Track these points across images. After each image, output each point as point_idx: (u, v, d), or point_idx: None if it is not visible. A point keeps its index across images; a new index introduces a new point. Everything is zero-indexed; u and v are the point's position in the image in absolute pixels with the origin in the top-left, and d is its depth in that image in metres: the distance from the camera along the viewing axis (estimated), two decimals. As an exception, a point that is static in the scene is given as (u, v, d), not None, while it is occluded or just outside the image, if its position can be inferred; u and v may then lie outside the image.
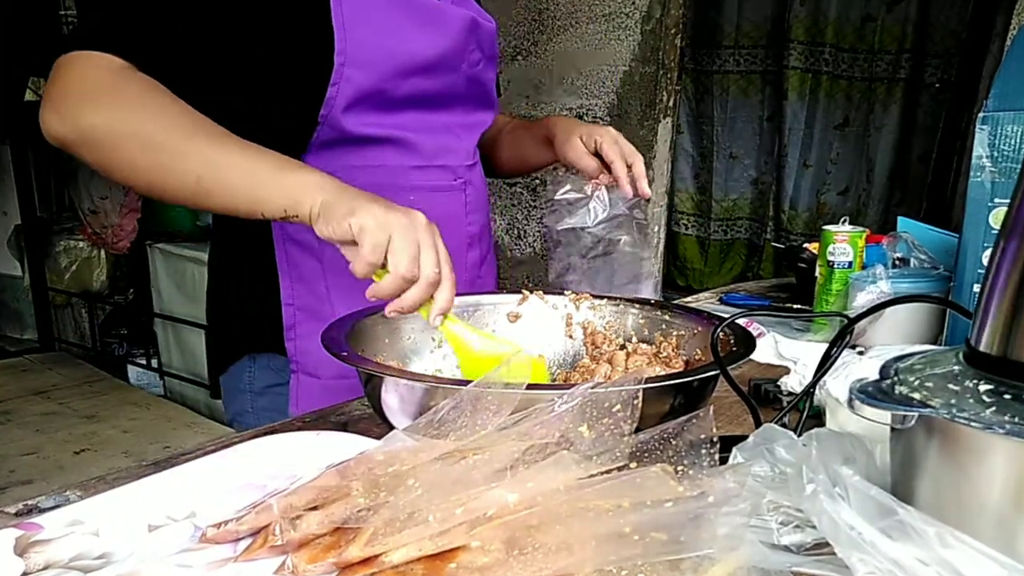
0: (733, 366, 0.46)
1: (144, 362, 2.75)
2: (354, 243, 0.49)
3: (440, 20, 0.67)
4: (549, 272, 0.76)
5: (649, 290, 0.75)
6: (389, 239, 0.48)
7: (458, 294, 0.57)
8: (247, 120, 0.58)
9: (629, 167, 0.71)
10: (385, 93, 0.64)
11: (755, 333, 0.65)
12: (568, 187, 0.73)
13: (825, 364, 0.45)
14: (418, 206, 0.61)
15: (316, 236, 0.62)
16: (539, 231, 2.16)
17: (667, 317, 0.62)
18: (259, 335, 0.70)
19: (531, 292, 0.67)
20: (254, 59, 0.60)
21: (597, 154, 0.72)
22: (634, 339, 0.63)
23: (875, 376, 0.36)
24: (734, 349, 0.50)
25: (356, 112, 0.63)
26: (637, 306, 0.65)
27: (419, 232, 0.49)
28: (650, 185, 0.72)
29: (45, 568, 0.34)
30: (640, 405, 0.38)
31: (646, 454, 0.35)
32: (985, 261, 0.58)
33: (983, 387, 0.32)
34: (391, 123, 0.66)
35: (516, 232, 2.21)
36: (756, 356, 0.68)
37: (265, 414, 0.71)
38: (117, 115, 0.52)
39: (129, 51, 0.54)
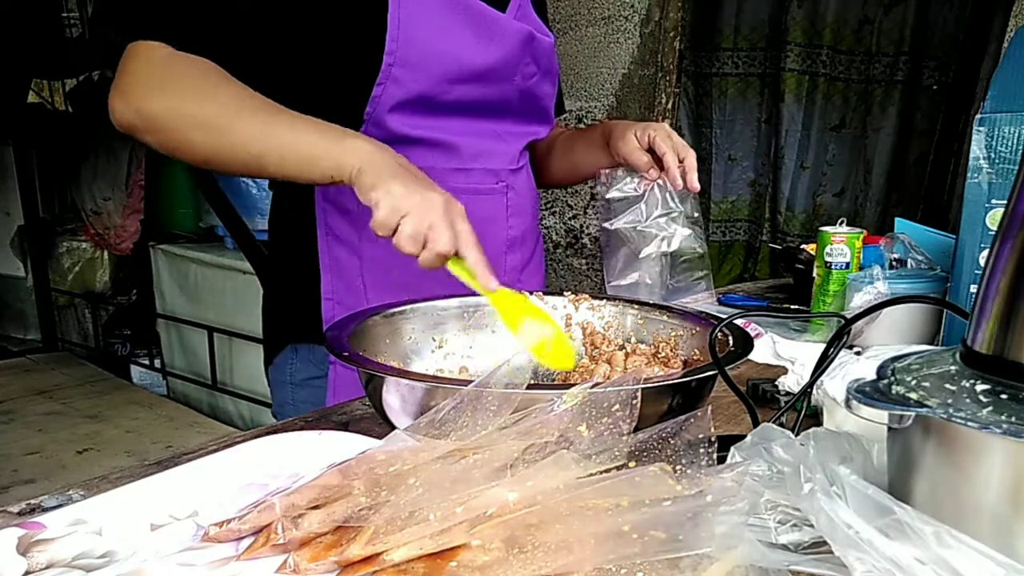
0: (731, 366, 0.46)
1: (147, 362, 2.76)
2: None
3: (496, 31, 0.68)
4: (606, 272, 0.76)
5: (705, 284, 0.74)
6: (400, 219, 0.51)
7: (546, 292, 0.62)
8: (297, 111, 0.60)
9: (681, 161, 0.71)
10: (433, 98, 0.66)
11: (753, 333, 0.66)
12: (620, 185, 0.73)
13: (822, 364, 0.45)
14: None
15: (357, 234, 0.67)
16: (555, 229, 2.16)
17: (665, 318, 0.62)
18: (301, 327, 0.72)
19: (530, 293, 0.67)
20: (307, 51, 0.62)
21: (651, 151, 0.73)
22: (633, 339, 0.63)
23: (872, 376, 0.36)
24: (732, 349, 0.50)
25: (401, 113, 0.65)
26: (636, 307, 0.65)
27: (431, 214, 0.52)
28: (697, 222, 0.73)
29: (48, 567, 0.34)
30: (639, 405, 0.38)
31: (645, 453, 0.35)
32: (982, 262, 0.58)
33: (980, 387, 0.33)
34: (437, 126, 0.68)
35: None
36: (754, 356, 0.68)
37: (304, 406, 0.73)
38: (178, 100, 0.56)
39: (187, 42, 0.57)
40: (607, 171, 0.75)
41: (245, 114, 0.56)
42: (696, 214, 0.73)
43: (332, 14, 0.62)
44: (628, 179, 0.73)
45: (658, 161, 0.72)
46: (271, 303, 0.79)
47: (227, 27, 0.59)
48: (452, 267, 0.54)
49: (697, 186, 0.72)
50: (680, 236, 0.72)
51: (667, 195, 0.72)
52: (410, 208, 0.52)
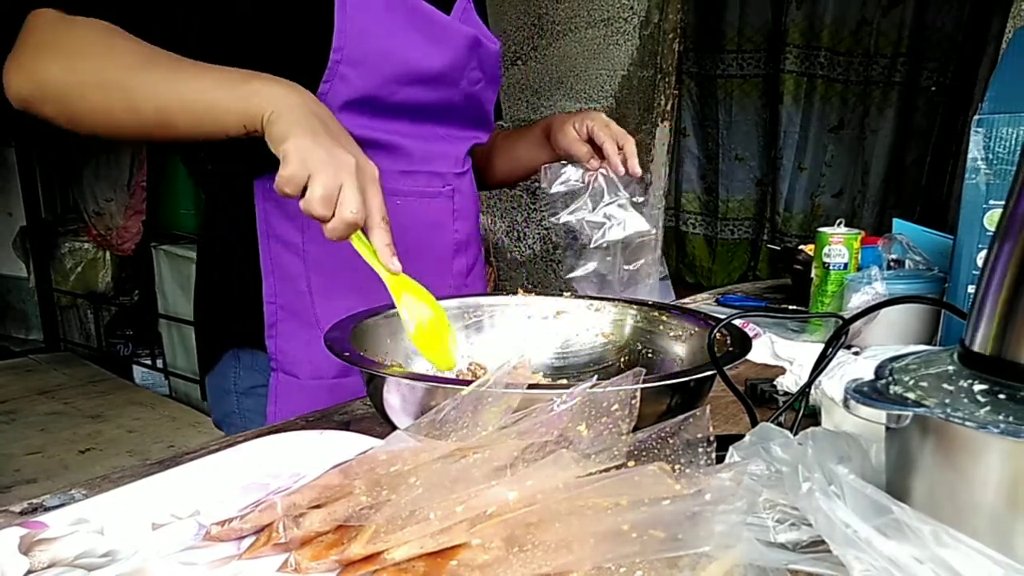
0: (729, 366, 0.46)
1: (149, 362, 2.77)
2: None
3: (443, 34, 0.68)
4: (563, 268, 0.76)
5: (658, 268, 0.74)
6: (309, 176, 0.47)
7: (442, 297, 0.58)
8: None
9: (620, 148, 0.71)
10: (380, 99, 0.64)
11: (751, 334, 0.66)
12: (564, 178, 0.73)
13: (821, 364, 0.45)
14: (405, 210, 0.61)
15: (301, 236, 0.62)
16: (538, 233, 2.17)
17: (664, 318, 0.62)
18: (242, 331, 0.70)
19: (528, 293, 0.67)
20: (252, 45, 0.59)
21: (591, 142, 0.73)
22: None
23: (870, 376, 0.36)
24: (731, 349, 0.50)
25: (348, 113, 0.63)
26: (635, 307, 0.65)
27: (343, 173, 0.47)
28: (648, 188, 0.73)
29: (50, 566, 0.34)
30: (638, 404, 0.39)
31: (644, 453, 0.35)
32: (980, 262, 0.59)
33: (978, 387, 0.33)
34: (384, 128, 0.66)
35: (516, 234, 2.21)
36: (752, 356, 0.69)
37: (251, 416, 0.71)
38: (72, 61, 0.51)
39: (86, 5, 0.53)
40: (548, 166, 0.74)
41: (146, 69, 0.51)
42: (641, 198, 0.73)
43: (278, 10, 0.59)
44: (571, 171, 0.73)
45: (598, 151, 0.72)
46: (207, 306, 0.75)
47: (165, 15, 0.55)
48: (354, 241, 0.50)
49: (639, 171, 0.71)
50: (628, 222, 0.72)
51: (611, 183, 0.72)
52: (320, 166, 0.47)
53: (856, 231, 0.80)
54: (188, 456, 0.48)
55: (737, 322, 0.56)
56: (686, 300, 1.05)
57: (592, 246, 0.72)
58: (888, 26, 1.86)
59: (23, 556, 0.34)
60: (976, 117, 0.57)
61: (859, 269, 0.79)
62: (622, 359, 0.64)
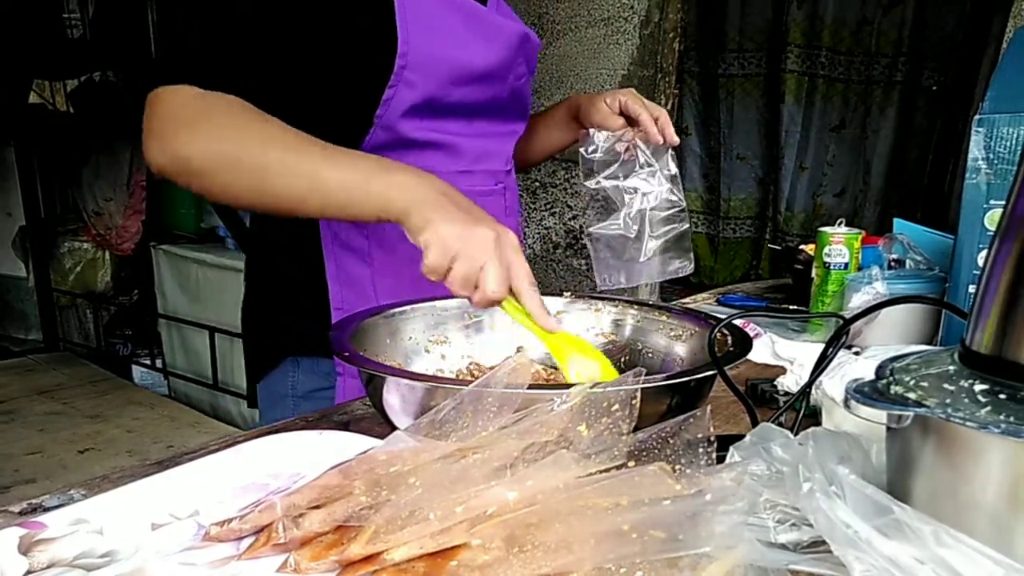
0: (730, 366, 0.46)
1: (148, 362, 2.77)
2: None
3: (496, 33, 0.69)
4: (586, 226, 0.76)
5: (685, 241, 0.74)
6: (452, 259, 0.49)
7: (446, 296, 0.59)
8: (305, 119, 0.59)
9: (656, 118, 0.72)
10: (438, 100, 0.66)
11: (752, 334, 0.66)
12: (599, 144, 0.74)
13: (821, 364, 0.45)
14: None
15: (367, 242, 0.65)
16: (538, 233, 2.17)
17: (665, 318, 0.62)
18: (304, 339, 0.70)
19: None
20: (318, 60, 0.61)
21: (623, 114, 0.74)
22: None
23: (871, 376, 0.36)
24: (731, 349, 0.50)
25: (411, 116, 0.65)
26: (636, 307, 0.65)
27: (482, 252, 0.49)
28: (675, 177, 0.74)
29: (49, 567, 0.34)
30: (638, 405, 0.39)
31: (644, 453, 0.35)
32: (980, 262, 0.59)
33: (978, 387, 0.33)
34: (441, 128, 0.68)
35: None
36: (753, 356, 0.69)
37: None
38: (210, 143, 0.55)
39: (207, 80, 0.57)
40: (585, 131, 0.75)
41: (280, 152, 0.54)
42: (673, 170, 0.74)
43: (341, 22, 0.61)
44: (606, 139, 0.74)
45: (632, 124, 0.74)
46: (262, 315, 0.75)
47: (243, 51, 0.59)
48: (506, 307, 0.51)
49: (675, 139, 0.73)
50: (660, 192, 0.73)
51: (644, 153, 0.73)
52: (460, 249, 0.49)
53: (857, 231, 0.80)
54: (187, 456, 0.48)
55: (737, 322, 0.56)
56: (686, 300, 1.05)
57: (622, 211, 0.73)
58: (889, 26, 1.85)
59: (22, 556, 0.34)
60: (977, 117, 0.57)
61: (860, 269, 0.79)
62: (622, 359, 0.64)
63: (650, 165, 0.73)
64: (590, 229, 0.74)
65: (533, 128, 0.85)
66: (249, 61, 0.59)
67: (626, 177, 0.73)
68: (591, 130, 0.75)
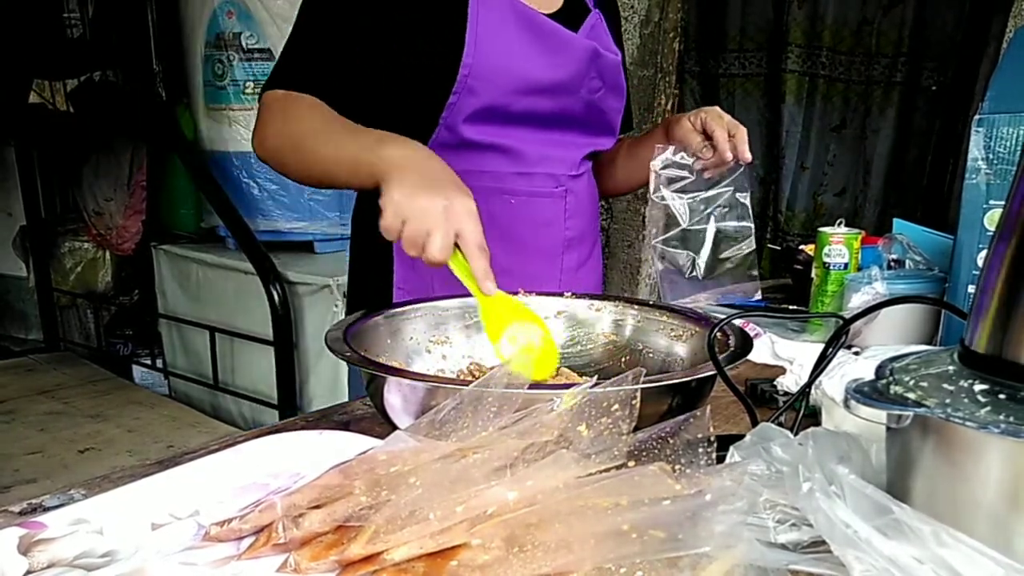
0: (730, 366, 0.46)
1: (149, 362, 2.76)
2: None
3: (563, 48, 0.73)
4: (648, 237, 0.77)
5: (751, 265, 0.75)
6: (402, 222, 0.55)
7: (545, 293, 0.65)
8: (377, 116, 0.67)
9: (731, 136, 0.74)
10: (502, 108, 0.71)
11: (752, 334, 0.66)
12: (672, 159, 0.74)
13: (821, 364, 0.45)
14: (517, 208, 0.70)
15: None
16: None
17: (665, 318, 0.62)
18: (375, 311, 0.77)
19: (529, 293, 0.67)
20: (392, 64, 0.70)
21: (705, 133, 0.75)
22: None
23: (871, 376, 0.36)
24: (731, 349, 0.50)
25: (474, 121, 0.71)
26: (636, 307, 0.65)
27: (428, 220, 0.54)
28: (745, 196, 0.74)
29: (49, 566, 0.34)
30: (638, 405, 0.39)
31: (644, 453, 0.35)
32: (980, 262, 0.59)
33: (978, 387, 0.33)
34: (504, 134, 0.73)
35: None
36: (753, 356, 0.68)
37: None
38: (284, 132, 0.68)
39: (297, 83, 0.69)
40: (660, 146, 0.77)
41: (323, 136, 0.65)
42: (745, 188, 0.74)
43: (416, 29, 0.69)
44: (681, 155, 0.75)
45: (712, 142, 0.75)
46: (353, 291, 0.84)
47: (330, 58, 0.69)
48: (453, 266, 0.56)
49: (748, 156, 0.74)
50: (727, 211, 0.74)
51: (718, 176, 0.74)
52: (408, 213, 0.54)
53: (856, 231, 0.80)
54: (187, 456, 0.48)
55: (737, 322, 0.56)
56: (686, 300, 1.05)
57: (686, 226, 0.73)
58: (889, 26, 1.85)
59: (22, 556, 0.34)
60: (976, 117, 0.57)
61: (859, 269, 0.79)
62: (623, 359, 0.64)
63: (720, 182, 0.73)
64: (653, 242, 0.75)
65: (633, 151, 0.87)
66: (334, 67, 0.70)
67: (695, 193, 0.73)
68: (664, 146, 0.76)
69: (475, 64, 0.68)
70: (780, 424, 0.42)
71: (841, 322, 0.45)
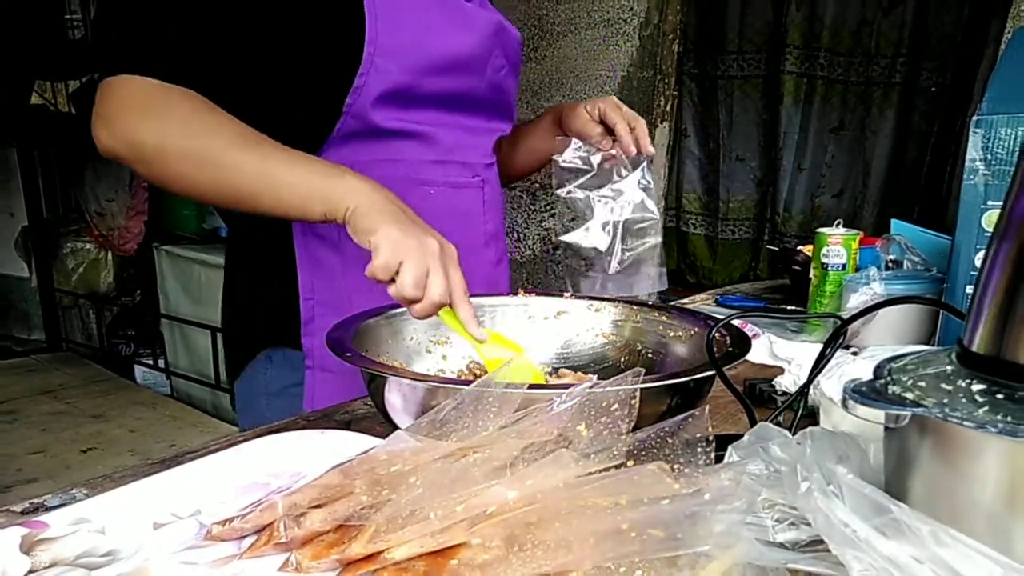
0: (729, 366, 0.46)
1: (150, 362, 2.77)
2: None
3: (469, 21, 0.68)
4: (557, 233, 0.76)
5: (657, 255, 0.74)
6: (400, 263, 0.51)
7: (478, 294, 0.60)
8: (272, 109, 0.60)
9: (632, 128, 0.72)
10: (411, 89, 0.65)
11: (750, 334, 0.66)
12: (574, 153, 0.73)
13: (819, 364, 0.45)
14: (437, 200, 0.63)
15: (337, 230, 0.63)
16: (538, 234, 2.17)
17: (664, 319, 0.63)
18: (276, 330, 0.70)
19: (528, 294, 0.68)
20: (284, 50, 0.61)
21: (603, 123, 0.74)
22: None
23: (869, 376, 0.36)
24: (730, 350, 0.51)
25: (382, 105, 0.64)
26: (636, 307, 0.65)
27: (429, 258, 0.51)
28: (648, 188, 0.73)
29: (51, 566, 0.34)
30: (637, 404, 0.39)
31: (643, 452, 0.36)
32: (978, 263, 0.59)
33: (976, 387, 0.33)
34: (414, 119, 0.67)
35: (516, 235, 2.22)
36: (751, 356, 0.69)
37: (284, 417, 0.70)
38: (165, 132, 0.56)
39: (167, 71, 0.57)
40: (561, 138, 0.75)
41: (237, 150, 0.55)
42: (648, 182, 0.73)
43: (308, 11, 0.61)
44: (582, 148, 0.73)
45: (611, 133, 0.73)
46: (238, 307, 0.75)
47: (206, 40, 0.58)
48: (443, 316, 0.54)
49: (651, 150, 0.72)
50: (633, 204, 0.72)
51: (619, 166, 0.72)
52: (408, 253, 0.51)
53: (854, 232, 0.81)
54: (189, 456, 0.48)
55: (736, 322, 0.56)
56: (685, 300, 1.05)
57: (594, 221, 0.72)
58: (888, 27, 1.85)
59: (24, 556, 0.34)
60: (975, 118, 0.58)
61: (857, 269, 0.80)
62: (622, 359, 0.64)
63: (624, 176, 0.72)
64: (560, 237, 0.74)
65: (519, 138, 0.84)
66: (212, 50, 0.58)
67: (600, 187, 0.72)
68: (566, 138, 0.74)
69: (380, 40, 0.61)
70: (778, 424, 0.42)
71: (839, 322, 0.45)
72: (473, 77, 0.70)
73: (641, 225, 0.72)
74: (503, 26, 0.72)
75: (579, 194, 0.72)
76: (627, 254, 0.72)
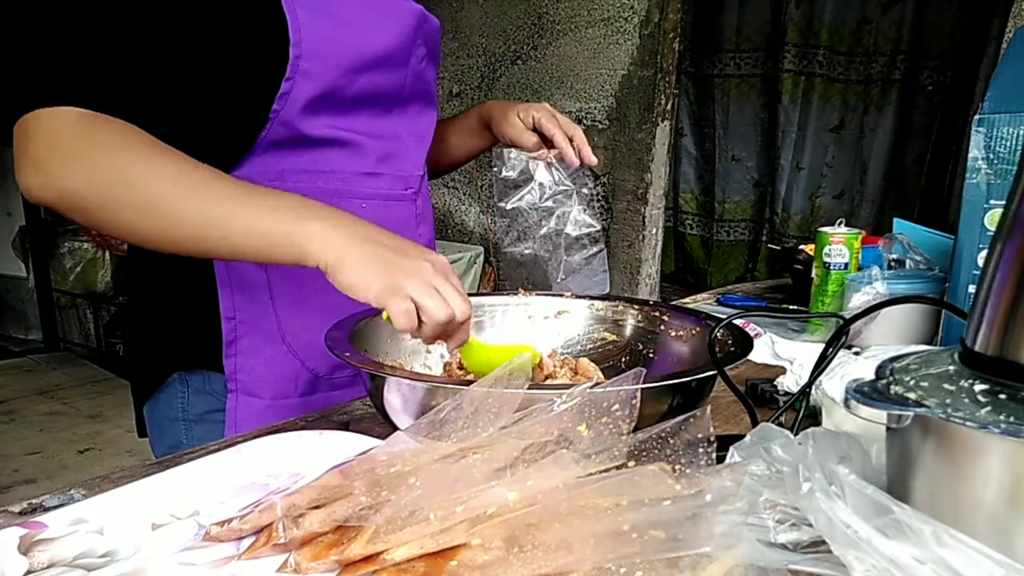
0: (730, 366, 0.46)
1: (147, 363, 2.76)
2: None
3: (392, 12, 0.65)
4: (500, 244, 0.76)
5: (600, 261, 0.74)
6: (417, 304, 0.47)
7: (479, 294, 0.60)
8: (195, 118, 0.56)
9: (571, 138, 0.71)
10: (339, 91, 0.61)
11: (752, 334, 0.66)
12: (514, 164, 0.73)
13: (821, 364, 0.45)
14: (369, 213, 0.58)
15: None
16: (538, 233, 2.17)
17: (665, 318, 0.62)
18: (192, 352, 0.65)
19: (528, 293, 0.68)
20: (205, 58, 0.56)
21: (536, 131, 0.72)
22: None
23: (871, 376, 0.36)
24: (731, 349, 0.50)
25: (311, 112, 0.60)
26: (636, 307, 0.65)
27: (436, 281, 0.48)
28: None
29: (49, 566, 0.34)
30: (638, 405, 0.39)
31: (644, 453, 0.35)
32: (980, 262, 0.59)
33: (978, 387, 0.33)
34: (343, 125, 0.63)
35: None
36: (753, 356, 0.69)
37: (204, 444, 0.65)
38: (99, 179, 0.50)
39: (89, 98, 0.51)
40: (500, 151, 0.74)
41: (182, 195, 0.50)
42: (588, 190, 0.73)
43: (227, 16, 0.56)
44: (521, 158, 0.73)
45: (546, 141, 0.72)
46: (144, 326, 0.68)
47: (121, 55, 0.52)
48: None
49: (593, 159, 0.71)
50: (575, 213, 0.72)
51: (559, 173, 0.72)
52: (423, 300, 0.47)
53: (857, 231, 0.80)
54: (187, 456, 0.48)
55: (737, 322, 0.56)
56: (686, 300, 1.05)
57: (541, 233, 0.72)
58: (888, 25, 1.86)
59: (22, 556, 0.34)
60: (977, 117, 0.57)
61: (859, 269, 0.79)
62: (623, 359, 0.64)
63: (565, 186, 0.71)
64: (504, 249, 0.74)
65: (444, 134, 0.82)
66: (130, 69, 0.53)
67: (541, 199, 0.71)
68: (504, 150, 0.73)
69: (305, 41, 0.57)
70: (780, 424, 0.42)
71: (841, 322, 0.45)
72: (398, 71, 0.66)
73: (584, 234, 0.73)
74: (425, 16, 0.69)
75: (522, 206, 0.72)
76: (571, 263, 0.73)
